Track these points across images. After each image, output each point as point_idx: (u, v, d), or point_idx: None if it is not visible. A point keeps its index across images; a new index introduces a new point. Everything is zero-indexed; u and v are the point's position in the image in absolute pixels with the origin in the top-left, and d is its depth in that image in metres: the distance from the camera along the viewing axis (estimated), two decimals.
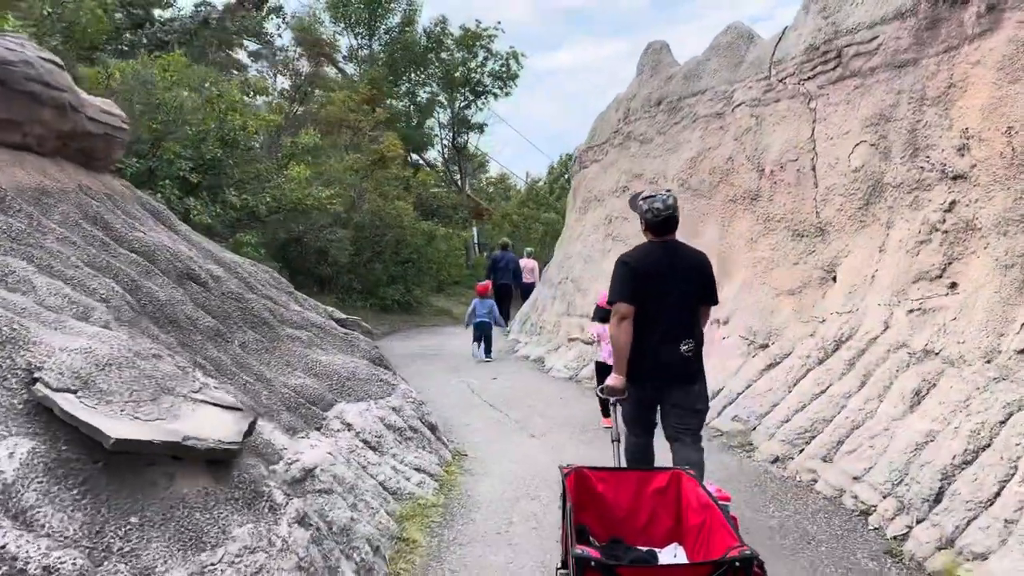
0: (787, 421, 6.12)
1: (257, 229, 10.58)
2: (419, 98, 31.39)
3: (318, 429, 4.84)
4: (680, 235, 4.39)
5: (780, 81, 7.80)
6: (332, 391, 5.49)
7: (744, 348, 7.55)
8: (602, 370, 7.14)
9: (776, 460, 5.89)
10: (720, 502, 2.85)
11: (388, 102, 28.26)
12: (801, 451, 5.74)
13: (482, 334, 11.76)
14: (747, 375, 7.11)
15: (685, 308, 4.17)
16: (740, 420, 6.68)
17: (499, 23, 30.95)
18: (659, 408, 4.32)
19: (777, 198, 7.75)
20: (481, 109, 32.93)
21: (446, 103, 32.26)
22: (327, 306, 9.93)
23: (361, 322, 9.33)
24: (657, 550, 3.05)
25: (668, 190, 4.44)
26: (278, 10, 23.06)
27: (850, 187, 6.73)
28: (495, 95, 31.40)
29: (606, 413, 6.95)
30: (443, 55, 29.75)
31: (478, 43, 30.09)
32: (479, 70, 30.72)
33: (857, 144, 6.70)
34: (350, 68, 28.63)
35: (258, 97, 17.24)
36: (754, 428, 6.47)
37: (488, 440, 6.99)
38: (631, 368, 4.08)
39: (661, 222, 4.19)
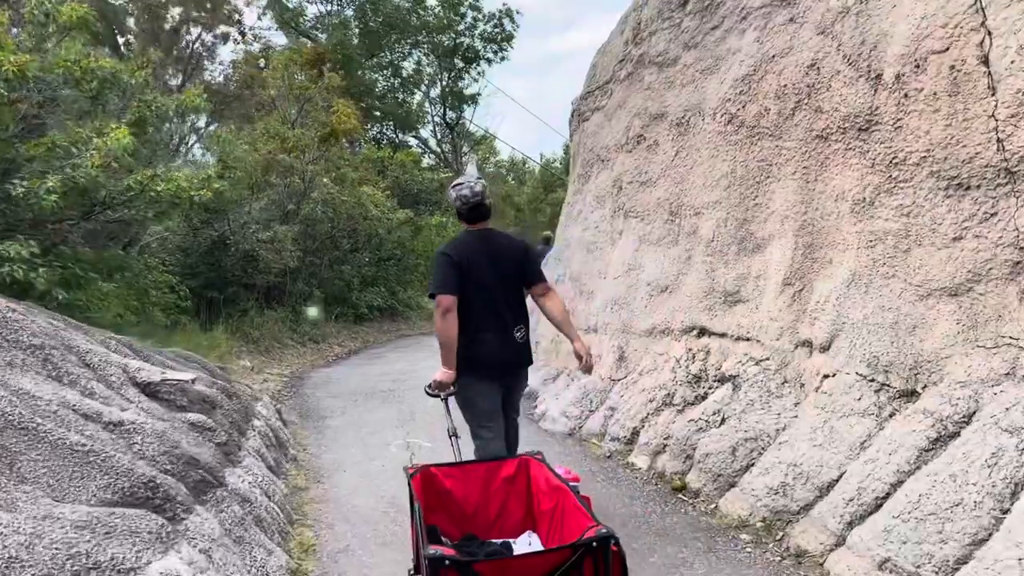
0: None
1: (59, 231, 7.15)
2: (403, 70, 28.13)
3: None
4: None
5: None
6: None
7: (869, 396, 4.26)
8: None
9: None
10: (570, 483, 2.85)
11: (365, 74, 25.03)
12: None
13: None
14: (891, 460, 3.80)
15: (512, 295, 4.17)
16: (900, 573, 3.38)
17: None
18: None
19: (910, 123, 4.43)
20: (476, 79, 29.62)
21: (435, 75, 28.99)
22: (182, 350, 6.74)
23: (216, 374, 6.16)
24: (512, 541, 3.04)
25: (479, 177, 4.32)
26: None
27: None
28: (489, 61, 28.07)
29: None
30: (428, 19, 26.35)
31: (464, 1, 26.66)
32: (468, 33, 27.45)
33: None
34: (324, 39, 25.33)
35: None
36: None
37: None
38: (473, 362, 4.02)
39: (471, 210, 4.13)
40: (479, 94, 29.00)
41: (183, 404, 4.50)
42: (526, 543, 3.00)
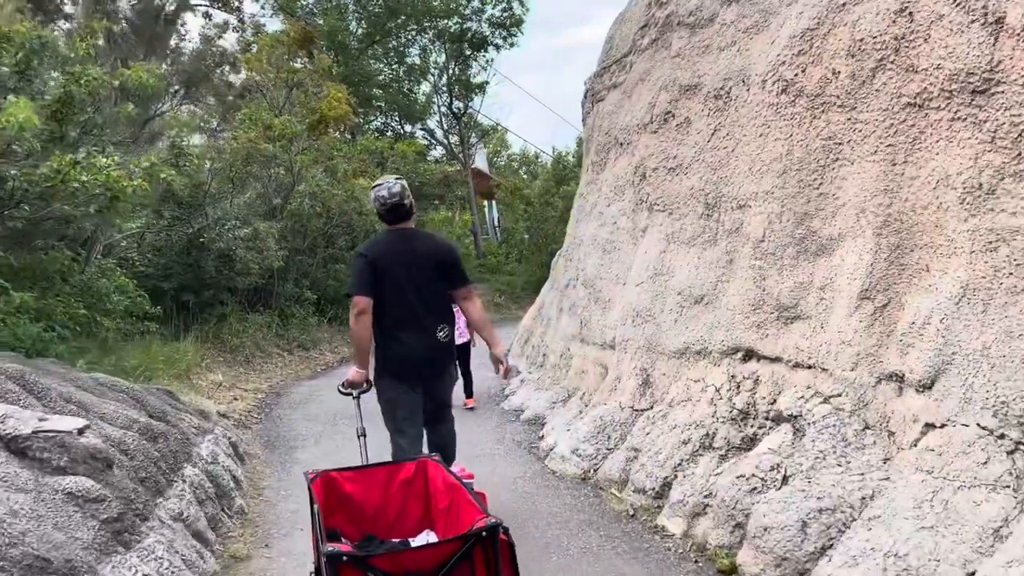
0: None
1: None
2: (408, 57, 26.97)
3: None
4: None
5: None
6: None
7: (1000, 460, 3.12)
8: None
9: None
10: (464, 480, 2.96)
11: (366, 62, 23.90)
12: None
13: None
14: None
15: (433, 296, 4.14)
16: None
17: None
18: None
19: None
20: (484, 68, 28.40)
21: (441, 63, 27.82)
22: (108, 376, 5.67)
23: (149, 404, 5.06)
24: (411, 540, 3.13)
25: (398, 177, 4.29)
26: None
27: None
28: (497, 47, 26.84)
29: (469, 394, 8.08)
30: (433, 2, 25.14)
31: None
32: (475, 18, 26.24)
33: None
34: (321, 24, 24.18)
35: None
36: None
37: None
38: (389, 363, 4.11)
39: (389, 210, 4.14)
40: (487, 82, 27.74)
41: (62, 465, 3.38)
42: (424, 541, 3.07)
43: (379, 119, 28.07)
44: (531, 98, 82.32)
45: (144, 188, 6.43)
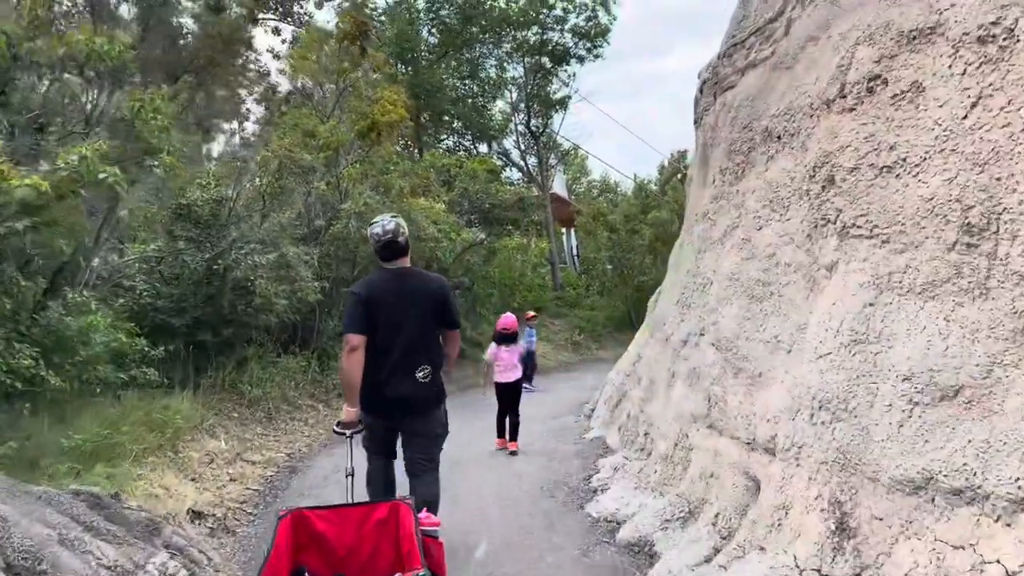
0: None
1: None
2: (483, 72, 25.28)
3: None
4: None
5: None
6: None
7: None
8: (498, 389, 8.16)
9: None
10: (427, 528, 3.25)
11: (436, 75, 22.24)
12: None
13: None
14: None
15: (419, 335, 4.25)
16: None
17: None
18: (400, 435, 4.45)
19: None
20: (566, 83, 26.45)
21: (518, 77, 26.04)
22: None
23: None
24: None
25: (394, 215, 4.44)
26: None
27: None
28: (581, 59, 24.87)
29: (514, 437, 8.00)
30: (510, 12, 23.42)
31: None
32: (557, 27, 24.38)
33: None
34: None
35: None
36: None
37: None
38: (368, 398, 4.17)
39: (382, 248, 4.28)
40: (569, 97, 25.77)
41: None
42: None
43: (450, 138, 26.49)
44: (610, 126, 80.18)
45: (41, 187, 4.55)
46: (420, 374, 4.20)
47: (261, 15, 21.57)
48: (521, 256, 21.47)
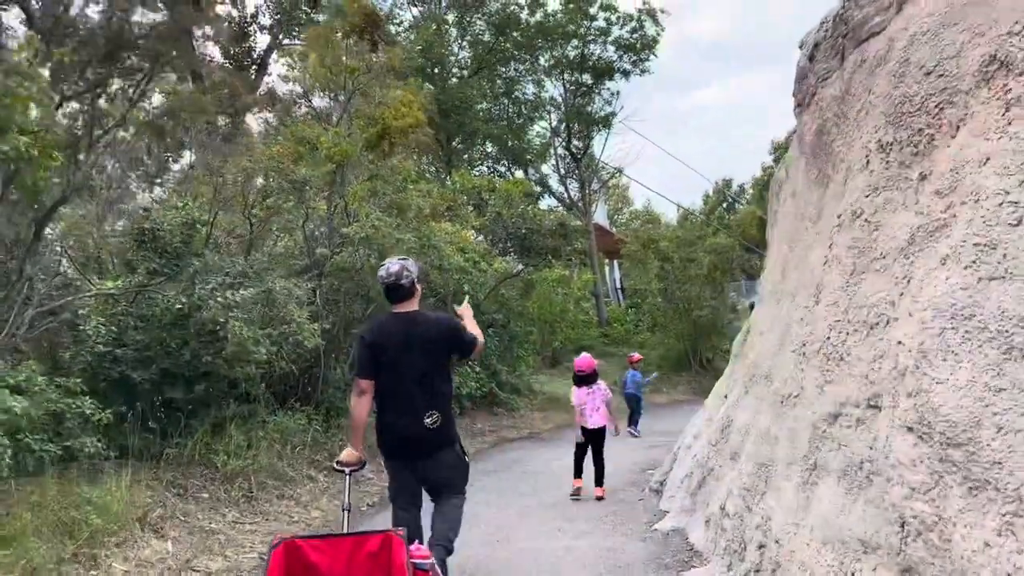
0: None
1: None
2: (519, 90, 23.63)
3: None
4: None
5: None
6: None
7: None
8: (584, 434, 7.98)
9: None
10: (418, 561, 3.36)
11: (467, 92, 20.58)
12: None
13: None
14: None
15: (426, 380, 4.32)
16: None
17: None
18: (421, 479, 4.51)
19: None
20: (610, 102, 24.65)
21: (557, 96, 24.34)
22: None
23: None
24: None
25: (402, 258, 4.59)
26: None
27: None
28: (626, 73, 23.07)
29: (599, 483, 7.90)
30: (548, 23, 21.78)
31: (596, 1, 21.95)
32: (600, 39, 22.64)
33: None
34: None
35: None
36: None
37: None
38: (381, 442, 4.44)
39: (387, 291, 4.43)
40: (614, 114, 23.92)
41: None
42: None
43: (483, 163, 24.83)
44: (649, 158, 78.26)
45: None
46: (428, 420, 4.28)
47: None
48: (563, 289, 19.56)
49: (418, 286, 4.50)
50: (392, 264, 4.41)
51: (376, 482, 9.12)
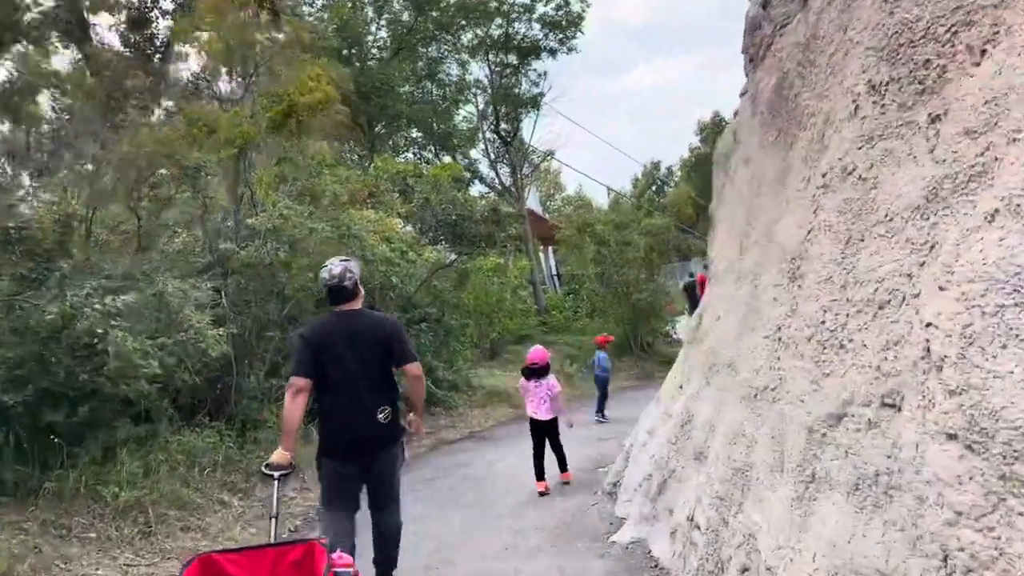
0: None
1: None
2: (442, 72, 22.73)
3: None
4: None
5: None
6: None
7: None
8: (531, 426, 7.86)
9: None
10: (339, 569, 3.30)
11: (386, 74, 19.61)
12: None
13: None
14: None
15: (374, 377, 4.35)
16: None
17: None
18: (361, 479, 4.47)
19: None
20: (537, 83, 23.93)
21: (483, 78, 23.52)
22: None
23: None
24: None
25: (343, 259, 4.57)
26: None
27: None
28: (552, 52, 22.40)
29: (564, 468, 7.93)
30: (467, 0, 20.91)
31: None
32: (524, 17, 21.90)
33: None
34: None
35: None
36: None
37: None
38: (324, 442, 4.39)
39: (329, 292, 4.41)
40: (542, 94, 23.22)
41: None
42: None
43: (409, 150, 23.85)
44: (577, 143, 78.02)
45: None
46: (381, 416, 4.30)
47: None
48: (499, 278, 18.83)
49: (360, 288, 4.52)
50: (334, 266, 4.41)
51: (299, 502, 8.27)
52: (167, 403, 7.94)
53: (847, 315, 2.99)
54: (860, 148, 3.16)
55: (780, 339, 3.95)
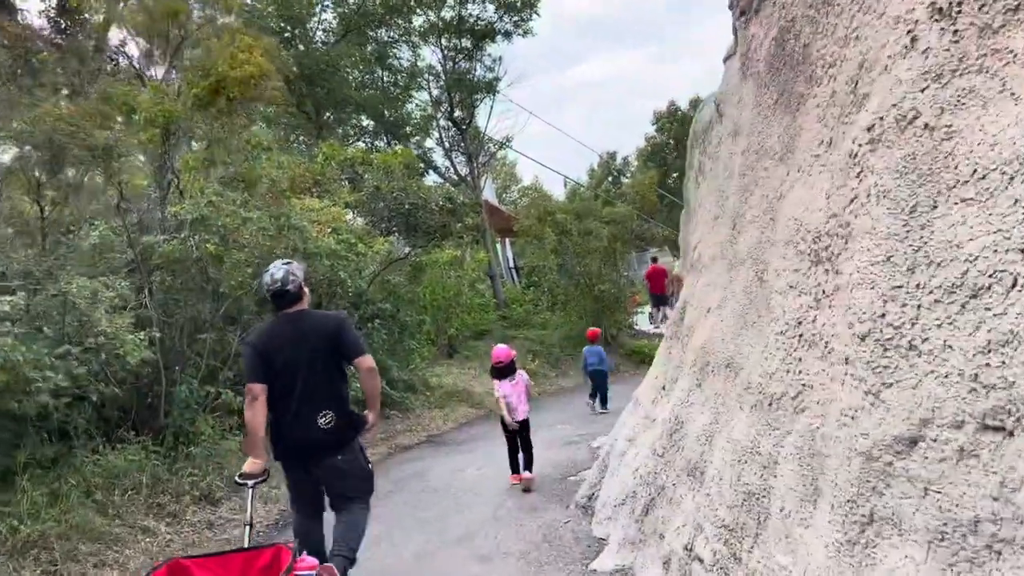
0: None
1: None
2: (393, 57, 21.79)
3: None
4: None
5: None
6: None
7: None
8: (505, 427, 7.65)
9: None
10: (301, 572, 3.40)
11: (331, 57, 18.63)
12: None
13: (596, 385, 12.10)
14: None
15: (318, 380, 4.27)
16: None
17: None
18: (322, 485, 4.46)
19: None
20: (492, 68, 23.13)
21: (438, 64, 22.63)
22: None
23: None
24: None
25: (286, 261, 4.49)
26: None
27: None
28: (508, 34, 21.61)
29: (529, 467, 7.64)
30: None
31: None
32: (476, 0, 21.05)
33: None
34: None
35: None
36: None
37: None
38: (275, 447, 4.37)
39: (273, 297, 4.36)
40: (498, 79, 22.40)
41: None
42: None
43: (360, 139, 22.87)
44: (532, 134, 77.42)
45: None
46: (322, 421, 4.22)
47: None
48: (455, 272, 18.04)
49: (305, 289, 4.45)
50: (276, 270, 4.35)
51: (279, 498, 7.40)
52: (87, 418, 7.02)
53: (918, 306, 2.30)
54: (923, 90, 2.46)
55: (801, 336, 3.27)
